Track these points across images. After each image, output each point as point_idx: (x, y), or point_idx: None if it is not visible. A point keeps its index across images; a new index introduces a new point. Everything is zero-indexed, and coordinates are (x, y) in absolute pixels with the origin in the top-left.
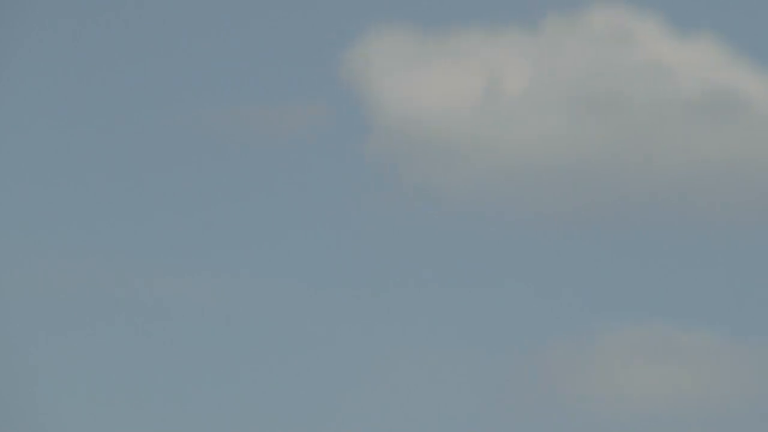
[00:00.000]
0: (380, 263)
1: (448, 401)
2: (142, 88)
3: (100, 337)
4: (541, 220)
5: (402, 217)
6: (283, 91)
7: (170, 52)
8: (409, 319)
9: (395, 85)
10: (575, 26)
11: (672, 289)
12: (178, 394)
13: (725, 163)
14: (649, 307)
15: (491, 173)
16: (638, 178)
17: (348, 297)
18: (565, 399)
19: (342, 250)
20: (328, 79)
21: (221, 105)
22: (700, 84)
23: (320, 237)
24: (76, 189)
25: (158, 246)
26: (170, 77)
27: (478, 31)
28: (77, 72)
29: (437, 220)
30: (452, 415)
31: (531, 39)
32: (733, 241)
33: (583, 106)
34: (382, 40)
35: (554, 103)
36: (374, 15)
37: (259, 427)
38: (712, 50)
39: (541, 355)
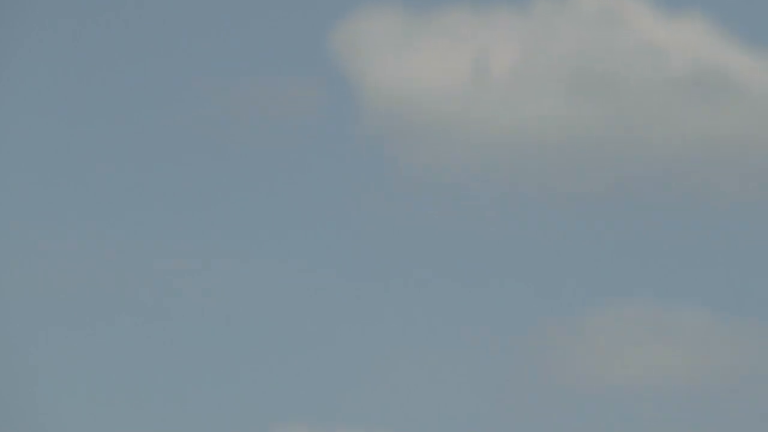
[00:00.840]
0: (370, 243)
1: (442, 383)
2: (131, 72)
3: (99, 335)
4: (530, 200)
5: (392, 196)
6: (272, 71)
7: (160, 30)
8: (402, 301)
9: (385, 64)
10: (565, 6)
11: (664, 268)
12: (177, 390)
13: (717, 143)
14: (642, 286)
15: (481, 153)
16: (629, 157)
17: (340, 281)
18: (558, 379)
19: (333, 230)
20: (318, 59)
21: (209, 85)
22: (690, 64)
23: (311, 218)
24: (73, 182)
25: (153, 235)
26: (158, 55)
27: (467, 11)
28: (70, 62)
29: (427, 199)
30: (446, 398)
31: (520, 19)
32: (724, 219)
33: (573, 86)
34: (371, 19)
35: (544, 83)
36: None
37: (257, 423)
38: (702, 30)
39: (534, 335)
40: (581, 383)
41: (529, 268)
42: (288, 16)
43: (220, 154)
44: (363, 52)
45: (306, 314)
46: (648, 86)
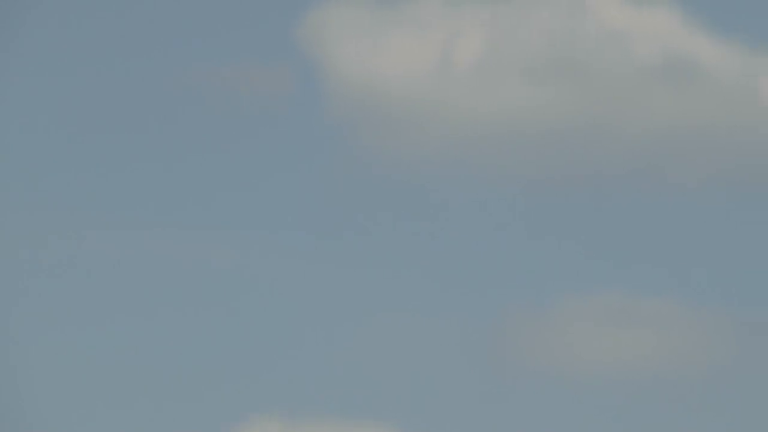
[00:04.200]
0: (336, 226)
1: (413, 370)
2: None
3: (67, 328)
4: (497, 187)
5: (358, 182)
6: (241, 58)
7: (131, 19)
8: (370, 289)
9: (353, 52)
10: None
11: (632, 257)
12: (151, 382)
13: (685, 131)
14: (610, 275)
15: (447, 139)
16: (595, 145)
17: (305, 269)
18: (527, 365)
19: (298, 212)
20: (288, 45)
21: (177, 72)
22: (657, 51)
23: (277, 199)
24: (33, 144)
25: (115, 202)
26: (130, 43)
27: (435, 0)
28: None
29: (394, 185)
30: (417, 384)
31: (488, 7)
32: (691, 207)
33: (540, 74)
34: (340, 6)
35: (511, 71)
36: None
37: (232, 415)
38: (668, 18)
39: (503, 321)
40: (551, 370)
41: (496, 254)
42: (257, 4)
43: (188, 140)
44: (331, 40)
45: (275, 304)
46: (616, 75)
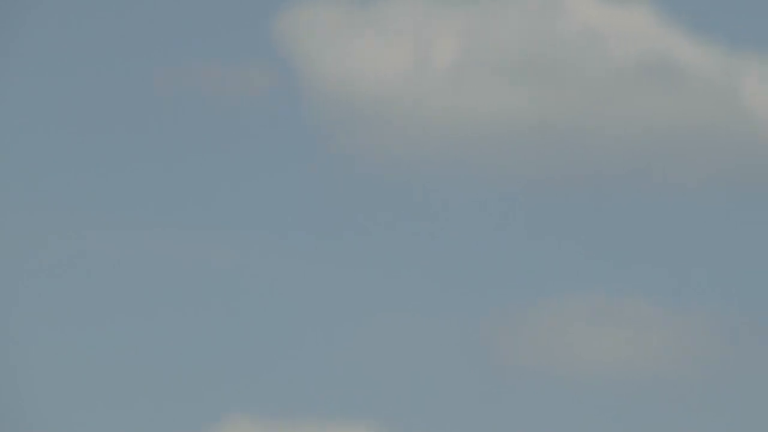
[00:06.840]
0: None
1: (399, 370)
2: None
3: (50, 295)
4: (474, 188)
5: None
6: (220, 55)
7: (107, 16)
8: (362, 282)
9: (332, 51)
10: None
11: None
12: (129, 380)
13: (664, 131)
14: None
15: (425, 141)
16: (575, 147)
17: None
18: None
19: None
20: (263, 46)
21: (154, 70)
22: (636, 52)
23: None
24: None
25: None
26: (105, 41)
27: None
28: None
29: (370, 186)
30: (403, 385)
31: (467, 7)
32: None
33: (517, 75)
34: (315, 7)
35: (487, 72)
36: None
37: (209, 413)
38: (647, 18)
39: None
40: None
41: (477, 255)
42: (233, 2)
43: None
44: (307, 40)
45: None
46: (592, 75)
